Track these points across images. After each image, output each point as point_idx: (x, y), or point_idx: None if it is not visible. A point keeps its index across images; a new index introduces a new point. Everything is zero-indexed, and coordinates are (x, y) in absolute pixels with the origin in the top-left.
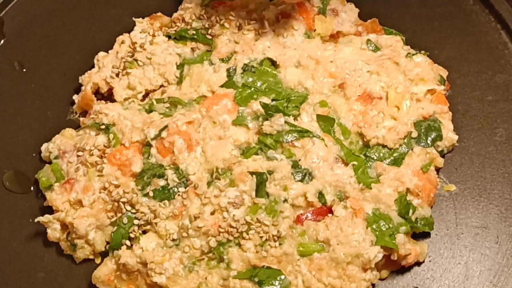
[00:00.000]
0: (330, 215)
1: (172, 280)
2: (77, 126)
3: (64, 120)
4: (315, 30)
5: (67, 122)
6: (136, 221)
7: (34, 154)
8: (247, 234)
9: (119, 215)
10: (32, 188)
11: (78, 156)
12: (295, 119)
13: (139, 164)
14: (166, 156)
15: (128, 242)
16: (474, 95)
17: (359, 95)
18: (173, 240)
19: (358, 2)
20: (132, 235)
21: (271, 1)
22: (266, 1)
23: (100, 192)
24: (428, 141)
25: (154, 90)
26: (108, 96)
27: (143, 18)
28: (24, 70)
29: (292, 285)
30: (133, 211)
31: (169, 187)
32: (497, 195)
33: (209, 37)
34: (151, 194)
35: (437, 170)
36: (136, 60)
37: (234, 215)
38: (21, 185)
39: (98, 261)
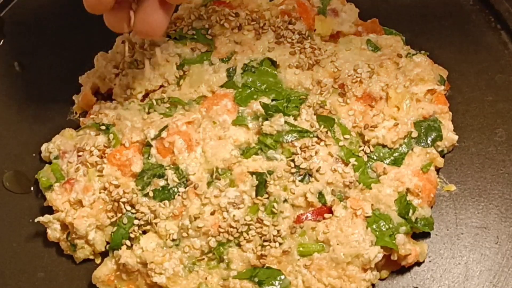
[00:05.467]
0: (330, 215)
1: (172, 280)
2: (77, 126)
3: (64, 120)
4: (315, 30)
5: (67, 122)
6: (136, 221)
7: (34, 154)
8: (247, 234)
9: (119, 215)
10: (32, 188)
11: (78, 156)
12: (295, 119)
13: (139, 164)
14: (166, 156)
15: (128, 242)
16: (474, 95)
17: (359, 95)
18: (173, 240)
19: (358, 2)
20: (132, 235)
21: (271, 1)
22: (266, 1)
23: (100, 192)
24: (428, 141)
25: (154, 90)
26: (108, 96)
27: None
28: (24, 70)
29: (292, 285)
30: (133, 211)
31: (169, 187)
32: (497, 195)
33: (209, 37)
34: (151, 194)
35: (437, 170)
36: (136, 60)
37: (234, 215)
38: (21, 185)
39: (98, 261)
